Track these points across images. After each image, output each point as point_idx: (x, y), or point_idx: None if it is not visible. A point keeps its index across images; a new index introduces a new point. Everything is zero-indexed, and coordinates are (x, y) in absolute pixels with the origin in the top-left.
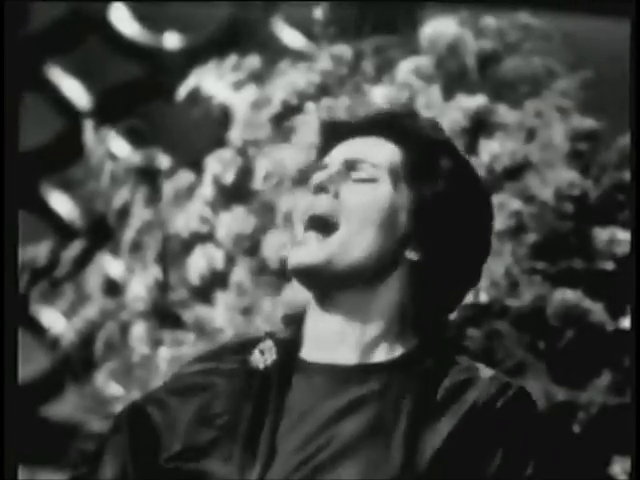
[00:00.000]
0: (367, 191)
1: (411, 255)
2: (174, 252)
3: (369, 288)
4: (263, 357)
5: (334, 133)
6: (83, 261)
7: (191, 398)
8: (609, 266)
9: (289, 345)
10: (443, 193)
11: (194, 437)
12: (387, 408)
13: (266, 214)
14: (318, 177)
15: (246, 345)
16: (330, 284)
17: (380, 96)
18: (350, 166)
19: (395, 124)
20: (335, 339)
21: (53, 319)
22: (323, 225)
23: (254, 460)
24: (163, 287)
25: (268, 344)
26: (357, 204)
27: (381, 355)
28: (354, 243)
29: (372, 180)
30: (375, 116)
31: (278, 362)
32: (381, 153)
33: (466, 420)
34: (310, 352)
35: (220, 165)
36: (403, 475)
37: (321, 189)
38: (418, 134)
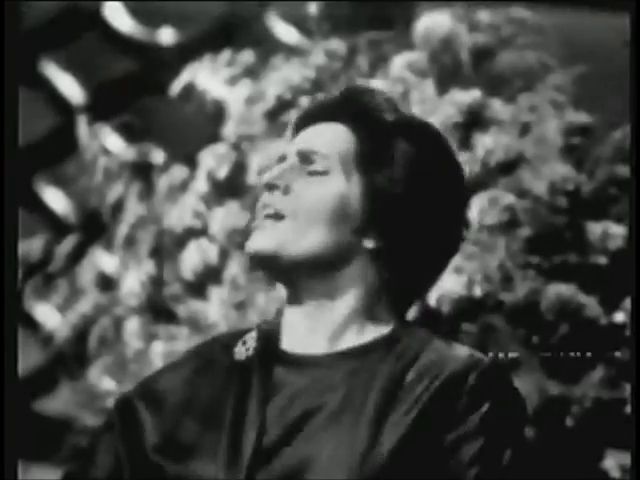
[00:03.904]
0: (318, 185)
1: (368, 244)
2: (168, 247)
3: (329, 277)
4: (245, 348)
5: (299, 123)
6: (77, 256)
7: (178, 391)
8: (603, 260)
9: (270, 336)
10: (398, 178)
11: (179, 431)
12: (356, 391)
13: None
14: (269, 174)
15: (234, 337)
16: (285, 271)
17: None
18: (304, 158)
19: (349, 106)
20: (304, 329)
21: (47, 314)
22: (270, 218)
23: (240, 454)
24: (157, 282)
25: (251, 335)
26: (307, 199)
27: (351, 339)
28: (304, 235)
29: (324, 172)
30: (331, 99)
31: (258, 353)
32: (333, 142)
33: (436, 397)
34: (287, 343)
35: (214, 160)
36: (371, 454)
37: (271, 187)
38: (372, 116)
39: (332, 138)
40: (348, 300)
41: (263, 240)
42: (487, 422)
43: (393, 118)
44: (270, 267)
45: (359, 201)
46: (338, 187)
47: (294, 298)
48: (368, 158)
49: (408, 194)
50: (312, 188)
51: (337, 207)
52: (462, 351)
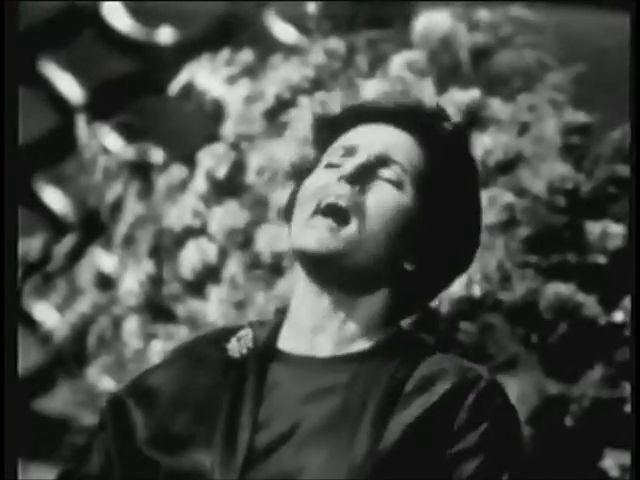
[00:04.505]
0: (392, 195)
1: (407, 266)
2: (167, 246)
3: (363, 289)
4: (239, 345)
5: (347, 119)
6: (76, 255)
7: (169, 387)
8: (602, 259)
9: (267, 334)
10: (447, 201)
11: (171, 426)
12: (355, 397)
13: (259, 208)
14: (350, 165)
15: (226, 334)
16: (329, 276)
17: (373, 90)
18: (382, 162)
19: (420, 122)
20: (313, 330)
21: (46, 313)
22: (339, 215)
23: (235, 453)
24: (156, 281)
25: (246, 332)
26: (380, 207)
27: (354, 346)
28: (364, 244)
29: (399, 184)
30: (400, 106)
31: (254, 351)
32: (408, 154)
33: (434, 411)
34: (287, 342)
35: (213, 160)
36: (366, 463)
37: (351, 180)
38: (440, 137)
39: (406, 150)
40: (366, 313)
41: (319, 240)
42: (487, 440)
43: (452, 140)
44: (314, 266)
45: (420, 220)
46: (408, 202)
47: (315, 296)
48: (433, 180)
49: (448, 215)
50: (386, 196)
51: (401, 222)
52: (461, 364)
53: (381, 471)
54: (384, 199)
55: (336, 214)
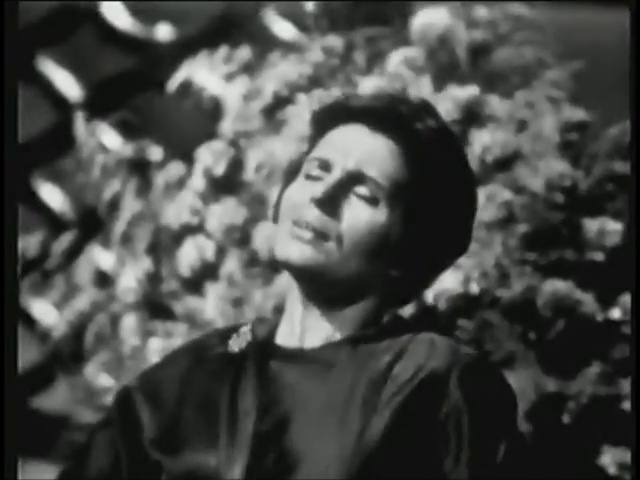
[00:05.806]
0: (365, 214)
1: (394, 273)
2: (165, 244)
3: (349, 299)
4: (239, 340)
5: (331, 116)
6: (74, 253)
7: (174, 384)
8: (599, 257)
9: (266, 330)
10: (435, 208)
11: (176, 423)
12: (345, 382)
13: (257, 206)
14: (322, 186)
15: (229, 332)
16: (314, 286)
17: (371, 87)
18: (354, 179)
19: (401, 123)
20: (303, 326)
21: (44, 311)
22: (317, 232)
23: (237, 450)
24: (154, 278)
25: (245, 329)
26: (353, 228)
27: (345, 334)
28: (343, 261)
29: (373, 200)
30: (383, 108)
31: (253, 346)
32: (385, 166)
33: (422, 390)
34: (282, 337)
35: (211, 157)
36: (357, 446)
37: (321, 204)
38: (424, 142)
39: (382, 160)
40: (357, 311)
41: (300, 253)
42: (477, 414)
43: (438, 142)
44: (299, 275)
45: (398, 232)
46: (384, 219)
47: (306, 300)
48: (417, 191)
49: (432, 219)
50: (361, 218)
51: (380, 240)
52: (447, 343)
53: (372, 454)
54: (357, 220)
55: (312, 230)
